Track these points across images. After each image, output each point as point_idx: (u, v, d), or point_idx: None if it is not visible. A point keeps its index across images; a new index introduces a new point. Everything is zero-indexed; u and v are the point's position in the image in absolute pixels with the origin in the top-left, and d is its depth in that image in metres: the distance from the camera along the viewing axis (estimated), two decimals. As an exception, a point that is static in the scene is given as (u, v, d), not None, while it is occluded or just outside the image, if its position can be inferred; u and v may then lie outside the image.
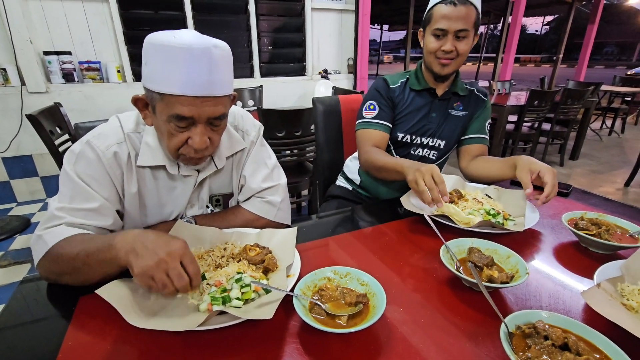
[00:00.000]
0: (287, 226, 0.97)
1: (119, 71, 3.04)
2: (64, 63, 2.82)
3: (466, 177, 1.32)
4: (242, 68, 3.67)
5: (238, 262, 0.75)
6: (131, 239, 0.63)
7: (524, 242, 0.89)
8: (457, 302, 0.67)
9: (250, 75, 3.73)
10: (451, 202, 1.02)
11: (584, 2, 7.91)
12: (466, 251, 0.78)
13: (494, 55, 6.94)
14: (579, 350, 0.49)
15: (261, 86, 3.28)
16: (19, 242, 2.37)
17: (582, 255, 0.84)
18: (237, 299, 0.63)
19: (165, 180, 0.88)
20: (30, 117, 1.62)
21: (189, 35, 0.68)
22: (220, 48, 0.71)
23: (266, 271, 0.73)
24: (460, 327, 0.61)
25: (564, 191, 1.17)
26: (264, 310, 0.59)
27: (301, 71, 4.00)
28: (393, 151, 1.37)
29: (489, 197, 1.09)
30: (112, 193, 0.80)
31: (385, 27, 18.53)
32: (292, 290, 0.64)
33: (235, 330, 0.59)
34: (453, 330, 0.60)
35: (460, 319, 0.63)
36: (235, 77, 2.74)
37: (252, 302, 0.64)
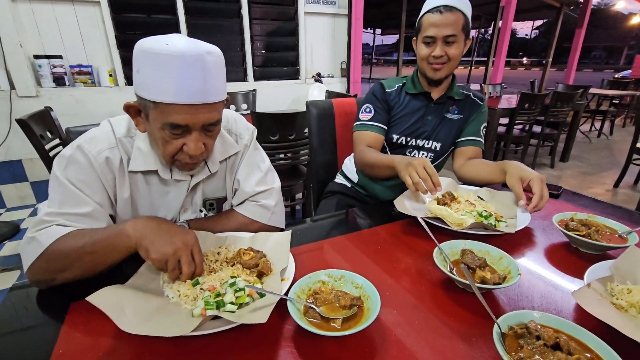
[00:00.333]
0: (281, 230, 0.96)
1: (110, 75, 3.01)
2: (54, 67, 2.78)
3: (459, 179, 1.35)
4: (235, 72, 3.66)
5: (232, 266, 0.75)
6: (143, 225, 0.69)
7: (515, 244, 0.90)
8: (451, 304, 0.67)
9: (244, 79, 3.72)
10: (444, 204, 1.04)
11: (572, 7, 8.06)
12: (459, 253, 0.79)
13: (485, 59, 7.03)
14: (570, 349, 0.49)
15: (255, 90, 3.27)
16: (8, 248, 2.33)
17: (572, 256, 0.86)
18: (231, 303, 0.62)
19: (158, 185, 0.87)
20: (20, 122, 1.60)
21: (181, 42, 0.67)
22: (213, 54, 0.71)
23: (260, 275, 0.73)
24: (453, 329, 0.61)
25: (555, 193, 1.19)
26: (258, 314, 0.59)
27: (294, 75, 4.01)
28: (389, 152, 1.39)
29: (482, 199, 1.11)
30: (104, 198, 0.80)
31: (378, 31, 18.67)
32: (286, 293, 0.64)
33: (230, 335, 0.59)
34: (447, 332, 0.60)
35: (453, 320, 0.63)
36: (229, 80, 2.75)
37: (246, 307, 0.64)
